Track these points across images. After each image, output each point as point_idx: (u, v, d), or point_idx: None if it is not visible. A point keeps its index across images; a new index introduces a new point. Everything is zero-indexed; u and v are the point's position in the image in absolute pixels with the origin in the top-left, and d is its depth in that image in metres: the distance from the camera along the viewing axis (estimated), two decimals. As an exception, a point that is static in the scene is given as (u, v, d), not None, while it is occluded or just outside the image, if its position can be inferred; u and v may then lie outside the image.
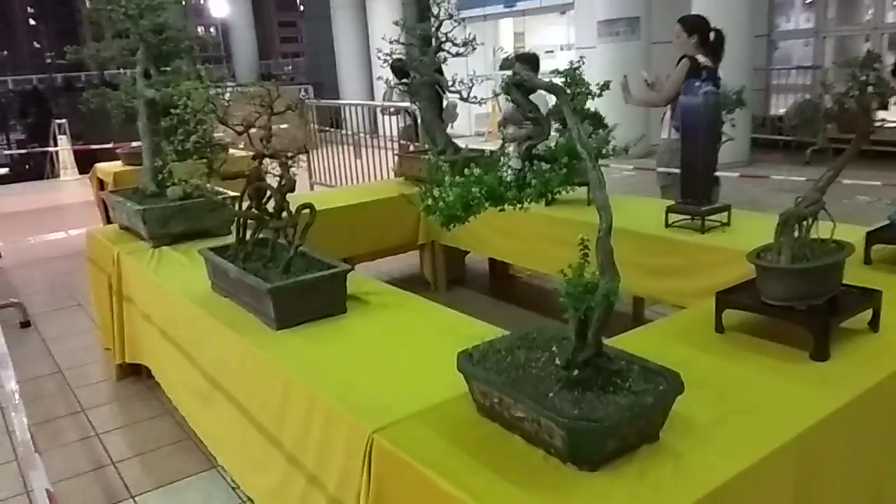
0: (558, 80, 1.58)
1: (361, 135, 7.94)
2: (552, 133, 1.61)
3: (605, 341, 1.96)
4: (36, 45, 43.04)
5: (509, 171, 1.52)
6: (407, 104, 7.48)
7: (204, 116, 2.43)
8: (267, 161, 2.45)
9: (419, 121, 5.74)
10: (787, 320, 1.89)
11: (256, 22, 26.19)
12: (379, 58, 4.59)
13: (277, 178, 2.33)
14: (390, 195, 4.27)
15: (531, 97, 1.60)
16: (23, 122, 21.38)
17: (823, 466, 1.63)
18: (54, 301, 5.17)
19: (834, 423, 1.62)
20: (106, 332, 3.68)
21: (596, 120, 2.86)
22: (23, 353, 4.13)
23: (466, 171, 1.59)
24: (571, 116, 1.47)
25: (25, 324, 4.64)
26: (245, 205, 2.59)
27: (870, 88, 2.03)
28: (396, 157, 7.57)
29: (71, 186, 10.70)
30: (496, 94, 3.42)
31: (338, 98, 14.72)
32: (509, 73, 1.60)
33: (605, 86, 1.48)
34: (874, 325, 1.97)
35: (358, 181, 7.50)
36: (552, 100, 1.76)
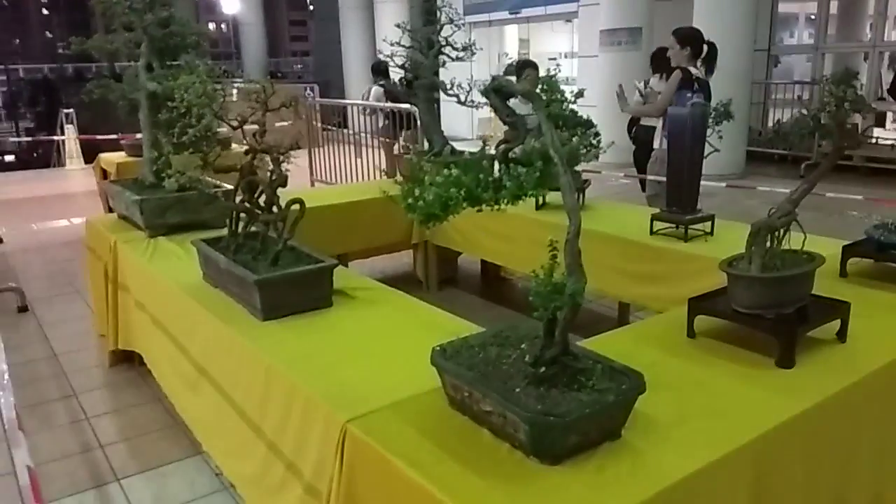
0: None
1: (363, 134, 8.01)
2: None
3: (583, 342, 2.02)
4: (48, 34, 43.26)
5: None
6: (383, 104, 7.65)
7: (201, 110, 2.49)
8: (261, 156, 2.51)
9: (419, 122, 5.81)
10: (755, 328, 1.95)
11: (267, 20, 26.34)
12: (385, 59, 4.66)
13: (268, 173, 2.39)
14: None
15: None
16: (32, 110, 21.52)
17: (781, 470, 1.68)
18: (53, 287, 5.24)
19: (793, 428, 1.68)
20: (101, 318, 3.75)
21: (583, 126, 2.92)
22: (19, 336, 4.20)
23: (445, 171, 1.64)
24: (545, 122, 1.53)
25: (23, 308, 4.71)
26: (238, 198, 2.65)
27: (846, 104, 2.06)
28: (387, 157, 7.71)
29: (76, 175, 10.80)
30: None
31: (344, 98, 14.81)
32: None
33: (580, 93, 1.54)
34: (842, 335, 2.02)
35: (358, 180, 7.57)
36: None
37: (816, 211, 5.69)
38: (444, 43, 4.42)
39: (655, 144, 4.55)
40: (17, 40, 40.98)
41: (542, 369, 1.57)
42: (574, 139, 1.58)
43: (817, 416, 1.74)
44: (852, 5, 11.22)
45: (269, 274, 2.30)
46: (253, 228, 2.63)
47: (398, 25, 4.76)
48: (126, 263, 3.35)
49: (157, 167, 3.35)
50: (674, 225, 3.09)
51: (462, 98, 4.32)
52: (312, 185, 8.22)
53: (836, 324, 2.02)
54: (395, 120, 7.43)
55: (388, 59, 4.57)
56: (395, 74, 5.84)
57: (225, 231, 2.79)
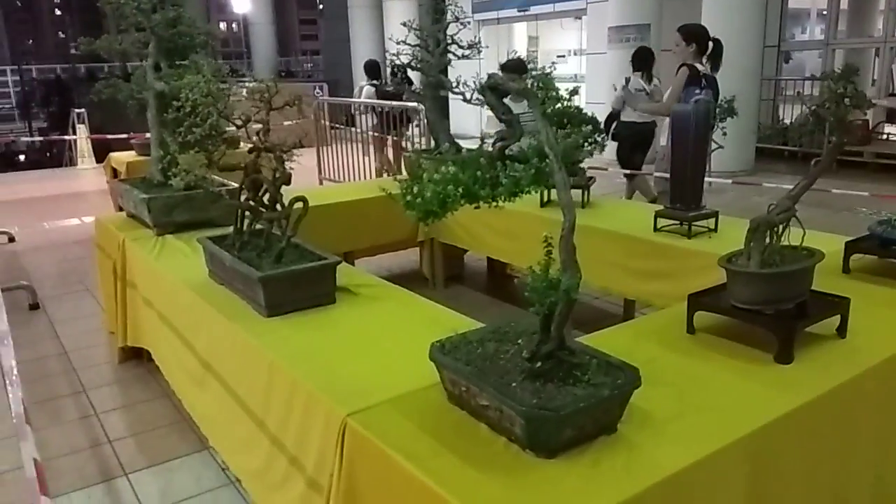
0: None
1: (370, 133, 8.04)
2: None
3: (583, 338, 2.04)
4: (61, 34, 43.59)
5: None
6: (375, 101, 7.81)
7: (207, 109, 2.52)
8: (265, 154, 2.54)
9: (426, 120, 5.83)
10: (753, 323, 1.95)
11: (278, 19, 26.42)
12: (392, 60, 4.68)
13: (272, 171, 2.42)
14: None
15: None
16: (45, 110, 21.74)
17: (779, 464, 1.69)
18: (64, 285, 5.30)
19: (789, 423, 1.68)
20: (110, 316, 3.79)
21: (588, 123, 2.93)
22: (30, 333, 4.26)
23: (443, 169, 1.66)
24: (541, 119, 1.54)
25: (34, 306, 4.77)
26: (243, 197, 2.68)
27: (846, 101, 2.06)
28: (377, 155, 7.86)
29: (87, 175, 10.90)
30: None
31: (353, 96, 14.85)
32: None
33: (575, 91, 1.55)
34: (842, 331, 2.02)
35: (366, 178, 7.61)
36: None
37: (825, 208, 5.68)
38: (450, 41, 4.44)
39: (662, 142, 4.55)
40: (31, 41, 41.35)
41: (539, 364, 1.59)
42: (571, 136, 1.59)
43: (814, 411, 1.74)
44: (863, 1, 11.13)
45: (272, 271, 2.33)
46: (258, 226, 2.65)
47: (404, 24, 4.79)
48: (134, 261, 3.39)
49: (163, 166, 3.38)
50: (677, 222, 3.09)
51: (468, 96, 4.35)
52: (321, 183, 8.27)
53: (837, 319, 2.02)
54: (386, 119, 7.59)
55: (395, 58, 4.60)
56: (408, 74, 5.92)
57: (231, 229, 2.82)
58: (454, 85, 4.75)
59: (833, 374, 1.83)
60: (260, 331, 2.28)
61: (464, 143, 4.49)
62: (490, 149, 1.75)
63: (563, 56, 14.78)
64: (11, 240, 6.65)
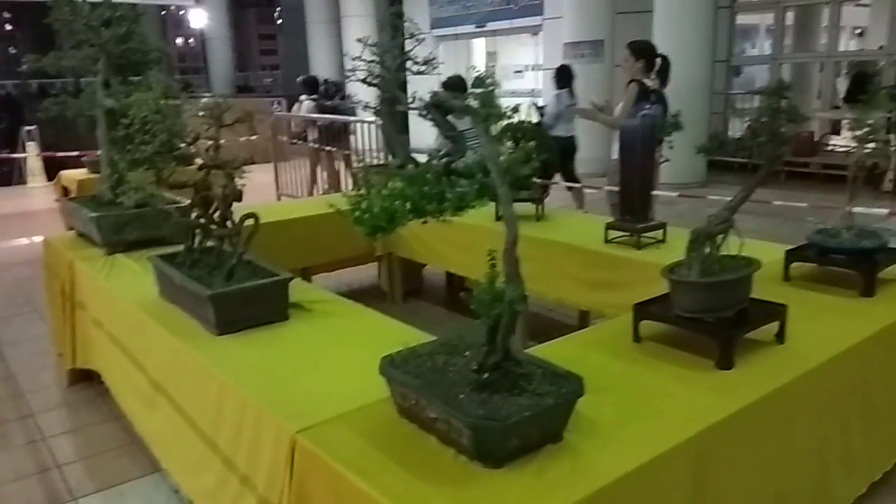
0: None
1: (327, 148, 8.04)
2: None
3: (533, 349, 2.07)
4: (11, 50, 42.55)
5: None
6: (315, 115, 8.02)
7: (156, 127, 2.50)
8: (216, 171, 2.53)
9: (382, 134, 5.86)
10: (695, 331, 2.01)
11: (236, 34, 26.25)
12: (346, 76, 4.71)
13: (222, 188, 2.41)
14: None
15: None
16: (-6, 127, 21.11)
17: (721, 467, 1.74)
18: (11, 307, 5.15)
19: (730, 426, 1.74)
20: (58, 337, 3.70)
21: (541, 138, 3.00)
22: (-25, 358, 4.13)
23: (390, 184, 1.68)
24: (484, 135, 1.57)
25: (-20, 329, 4.63)
26: (194, 214, 2.66)
27: (781, 115, 2.15)
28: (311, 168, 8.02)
29: (38, 193, 10.63)
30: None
31: (313, 111, 14.80)
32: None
33: (516, 109, 1.59)
34: (780, 337, 2.10)
35: (322, 193, 7.59)
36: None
37: (776, 217, 5.85)
38: (406, 57, 4.48)
39: (613, 155, 4.64)
40: (-21, 57, 40.23)
41: (486, 375, 1.61)
42: (513, 152, 1.62)
43: (754, 414, 1.80)
44: (807, 17, 11.54)
45: (222, 289, 2.31)
46: (209, 244, 2.63)
47: (359, 40, 4.82)
48: (83, 281, 3.32)
49: (111, 184, 3.34)
50: (627, 233, 3.16)
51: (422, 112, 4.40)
52: (279, 199, 8.21)
53: (775, 326, 2.09)
54: (327, 132, 7.76)
55: (351, 73, 4.63)
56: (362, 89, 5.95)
57: (182, 247, 2.79)
58: (410, 101, 4.81)
59: (771, 379, 1.89)
60: (210, 350, 2.26)
61: (423, 158, 4.53)
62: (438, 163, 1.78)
63: (521, 71, 14.97)
64: (-43, 261, 6.45)
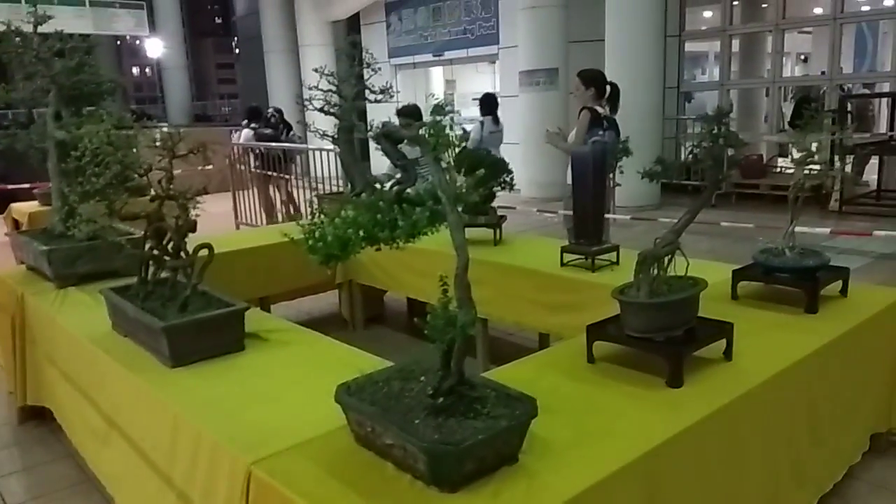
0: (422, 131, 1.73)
1: (285, 176, 8.04)
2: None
3: (488, 372, 2.09)
4: (-40, 81, 41.56)
5: None
6: (256, 142, 8.19)
7: (108, 158, 2.48)
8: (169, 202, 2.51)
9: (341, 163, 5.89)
10: (646, 350, 2.06)
11: (194, 63, 26.13)
12: (297, 103, 4.75)
13: (175, 219, 2.40)
14: (307, 236, 4.35)
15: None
16: (-59, 160, 20.53)
17: (673, 482, 1.78)
18: (-42, 345, 4.98)
19: (681, 443, 1.78)
20: (9, 374, 3.60)
21: (494, 166, 3.06)
22: (-81, 399, 3.97)
23: (343, 212, 1.71)
24: (433, 164, 1.61)
25: (-76, 369, 4.46)
26: (147, 245, 2.63)
27: (720, 140, 2.24)
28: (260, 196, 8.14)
29: (-13, 227, 10.33)
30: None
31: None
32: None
33: (465, 137, 1.62)
34: (728, 354, 2.16)
35: (280, 221, 7.56)
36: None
37: (727, 237, 6.02)
38: (363, 86, 4.52)
39: (568, 181, 4.74)
40: (-73, 88, 39.16)
41: (440, 400, 1.63)
42: (462, 180, 1.66)
43: (704, 430, 1.85)
44: (753, 44, 11.98)
45: (176, 320, 2.29)
46: (163, 275, 2.61)
47: (316, 70, 4.85)
48: (34, 316, 3.25)
49: (61, 217, 3.28)
50: (582, 256, 3.23)
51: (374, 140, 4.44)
52: (238, 228, 8.15)
53: (723, 344, 2.16)
54: (267, 160, 7.88)
55: (308, 103, 4.66)
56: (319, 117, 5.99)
57: (136, 279, 2.75)
58: (369, 129, 4.85)
59: (720, 395, 1.95)
60: (164, 382, 2.23)
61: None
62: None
63: (477, 99, 15.15)
64: None
